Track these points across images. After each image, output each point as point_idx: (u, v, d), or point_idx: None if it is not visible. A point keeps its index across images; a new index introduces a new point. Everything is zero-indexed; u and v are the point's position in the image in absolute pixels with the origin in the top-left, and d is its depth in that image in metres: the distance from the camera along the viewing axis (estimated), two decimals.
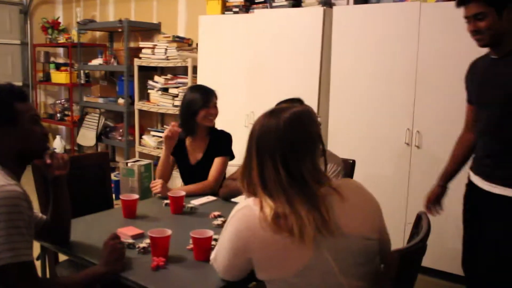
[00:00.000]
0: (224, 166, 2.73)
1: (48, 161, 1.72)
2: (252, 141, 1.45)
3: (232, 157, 2.78)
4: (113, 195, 2.88)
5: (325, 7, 3.51)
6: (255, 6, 4.01)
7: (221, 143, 2.77)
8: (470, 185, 2.19)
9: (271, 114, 1.45)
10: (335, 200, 1.40)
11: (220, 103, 2.78)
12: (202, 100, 2.68)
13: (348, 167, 2.57)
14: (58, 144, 6.08)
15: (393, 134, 3.29)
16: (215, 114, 2.74)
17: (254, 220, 1.37)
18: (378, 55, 3.31)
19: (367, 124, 3.37)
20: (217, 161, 2.72)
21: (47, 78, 6.34)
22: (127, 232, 1.97)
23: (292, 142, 1.40)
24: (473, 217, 2.18)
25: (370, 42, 3.34)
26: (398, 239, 3.05)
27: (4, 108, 1.55)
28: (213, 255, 1.58)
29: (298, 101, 2.33)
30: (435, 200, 2.37)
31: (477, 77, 2.13)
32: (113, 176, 4.38)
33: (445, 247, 3.01)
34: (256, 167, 1.43)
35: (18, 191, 1.44)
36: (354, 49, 3.41)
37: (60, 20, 6.37)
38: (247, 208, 1.42)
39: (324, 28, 3.50)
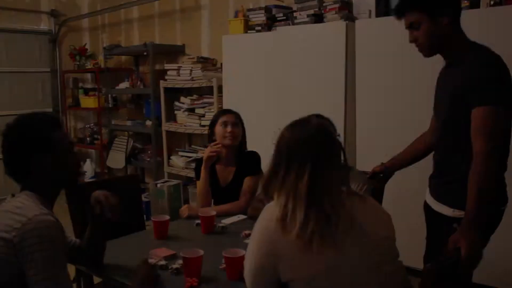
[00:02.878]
0: (255, 185, 2.73)
1: (97, 211, 1.83)
2: (281, 153, 1.47)
3: (262, 175, 2.78)
4: (144, 216, 2.90)
5: (347, 22, 3.51)
6: (277, 23, 4.03)
7: (250, 163, 2.78)
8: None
9: (296, 125, 1.49)
10: (356, 201, 1.46)
11: (246, 121, 2.81)
12: (221, 112, 2.87)
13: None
14: (88, 168, 6.19)
15: None
16: (234, 132, 2.74)
17: None
18: (404, 67, 3.28)
19: (395, 138, 3.32)
20: (247, 181, 2.73)
21: (76, 103, 6.49)
22: (159, 254, 1.98)
23: (323, 149, 1.43)
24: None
25: (394, 54, 3.31)
26: None
27: (41, 136, 1.61)
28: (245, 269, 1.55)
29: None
30: (372, 175, 2.43)
31: (436, 86, 2.10)
32: (143, 197, 4.41)
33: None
34: (284, 177, 1.44)
35: (50, 221, 1.47)
36: (379, 62, 3.39)
37: (87, 46, 6.52)
38: None
39: (347, 42, 3.49)
